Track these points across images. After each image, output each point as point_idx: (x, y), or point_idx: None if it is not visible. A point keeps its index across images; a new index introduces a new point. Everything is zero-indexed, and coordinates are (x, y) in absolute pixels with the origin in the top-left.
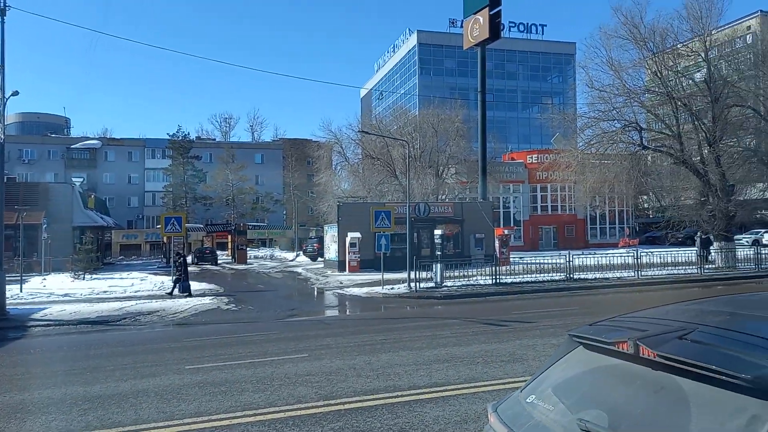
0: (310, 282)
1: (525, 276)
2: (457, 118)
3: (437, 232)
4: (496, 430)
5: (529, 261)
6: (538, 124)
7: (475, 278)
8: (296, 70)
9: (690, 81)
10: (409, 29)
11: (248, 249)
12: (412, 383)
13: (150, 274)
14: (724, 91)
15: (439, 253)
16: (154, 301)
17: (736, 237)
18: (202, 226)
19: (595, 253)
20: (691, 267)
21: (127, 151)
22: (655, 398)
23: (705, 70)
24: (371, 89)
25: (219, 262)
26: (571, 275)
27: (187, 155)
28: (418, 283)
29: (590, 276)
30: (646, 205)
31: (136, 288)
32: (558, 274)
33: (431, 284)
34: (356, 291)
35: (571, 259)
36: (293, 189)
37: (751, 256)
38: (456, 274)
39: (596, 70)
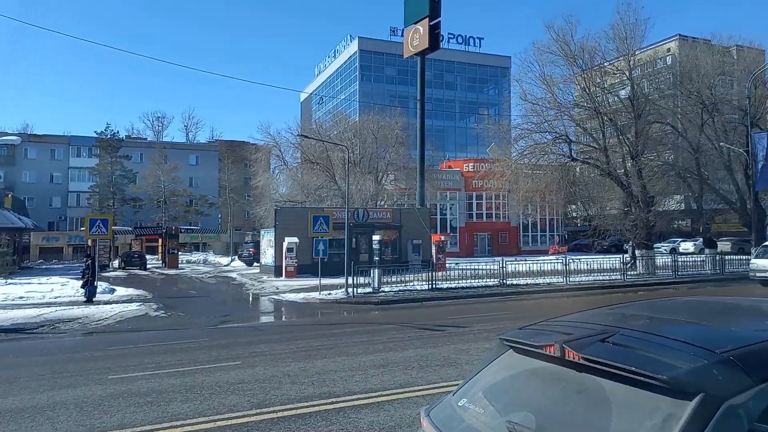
0: (245, 287)
1: (460, 281)
2: (396, 125)
3: (375, 237)
4: None
5: (464, 267)
6: (475, 133)
7: (412, 284)
8: (236, 72)
9: (615, 98)
10: (351, 35)
11: (180, 253)
12: (347, 389)
13: (72, 279)
14: (646, 108)
15: (377, 258)
16: (75, 307)
17: (655, 245)
18: (130, 228)
19: (527, 260)
20: (615, 273)
21: (49, 148)
22: (579, 399)
23: (629, 88)
24: (311, 93)
25: (148, 266)
26: (504, 281)
27: (116, 154)
28: (355, 289)
29: (522, 282)
30: (574, 214)
31: (56, 294)
32: (492, 279)
33: (369, 290)
34: (293, 297)
35: (504, 266)
36: (229, 192)
37: (669, 263)
38: (393, 279)
39: (530, 83)
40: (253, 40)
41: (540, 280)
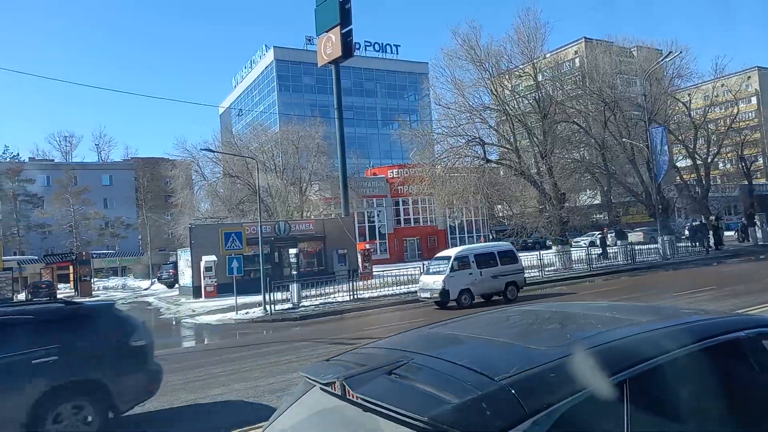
0: (160, 312)
1: (382, 290)
2: (317, 135)
3: (292, 251)
4: None
5: (393, 273)
6: (398, 139)
7: (333, 296)
8: (150, 85)
9: (525, 100)
10: (266, 45)
11: (97, 280)
12: (236, 421)
13: None
14: (551, 108)
15: (295, 272)
16: None
17: (575, 239)
18: (36, 258)
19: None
20: (533, 270)
21: None
22: None
23: (535, 90)
24: (229, 106)
25: (60, 296)
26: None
27: (18, 178)
28: (274, 306)
29: None
30: (501, 214)
31: None
32: (414, 285)
33: (289, 305)
34: (208, 319)
35: (369, 278)
36: (147, 212)
37: (583, 257)
38: (315, 292)
39: (442, 88)
40: (166, 53)
41: None
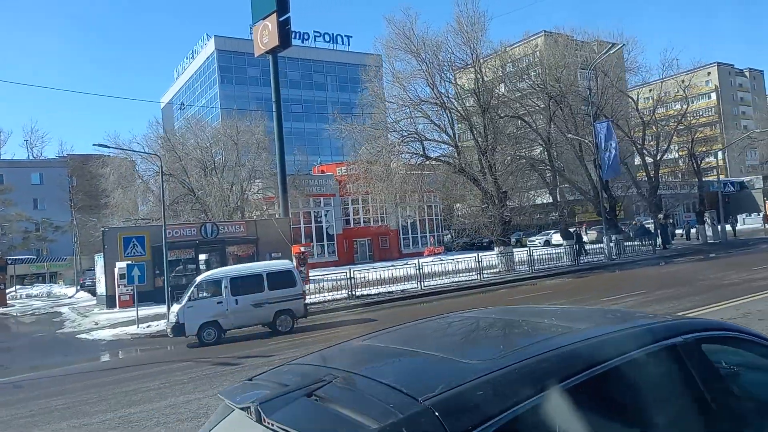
0: (62, 325)
1: (314, 296)
2: (257, 130)
3: (201, 257)
4: None
5: (329, 278)
6: (334, 135)
7: None
8: (90, 77)
9: (466, 93)
10: (207, 34)
11: (20, 287)
12: None
13: None
14: (491, 102)
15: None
16: None
17: (530, 238)
18: None
19: (373, 268)
20: (472, 273)
21: None
22: None
23: (475, 82)
24: (171, 100)
25: None
26: (353, 292)
27: None
28: None
29: (374, 291)
30: (459, 213)
31: None
32: (340, 292)
33: None
34: (104, 334)
35: (352, 275)
36: (77, 213)
37: (525, 258)
38: None
39: (382, 82)
40: (104, 43)
41: (393, 288)
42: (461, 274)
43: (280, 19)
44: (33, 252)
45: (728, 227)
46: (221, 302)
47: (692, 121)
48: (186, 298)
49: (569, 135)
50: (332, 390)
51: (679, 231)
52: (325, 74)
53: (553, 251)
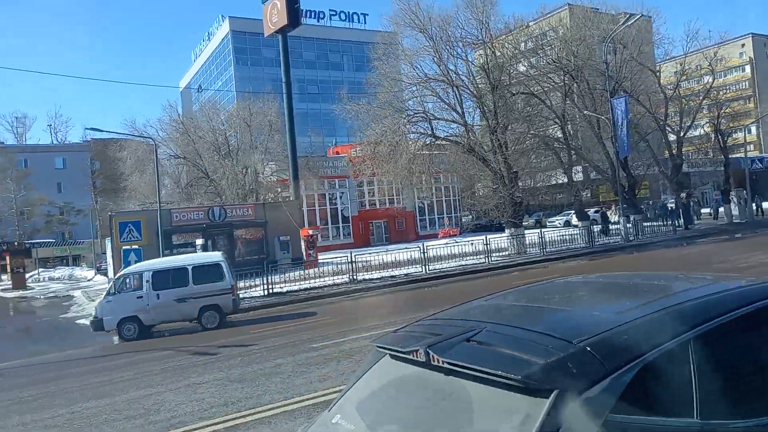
0: (67, 309)
1: (304, 282)
2: (270, 111)
3: (199, 242)
4: None
5: (340, 260)
6: (367, 116)
7: (245, 291)
8: (113, 63)
9: (475, 70)
10: (222, 15)
11: (43, 270)
12: None
13: None
14: (502, 78)
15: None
16: None
17: (550, 219)
18: None
19: (387, 250)
20: (480, 256)
21: None
22: (444, 404)
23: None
24: (189, 83)
25: None
26: (355, 276)
27: None
28: None
29: (375, 275)
30: (481, 193)
31: None
32: (342, 276)
33: None
34: None
35: (353, 260)
36: (98, 196)
37: (536, 240)
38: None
39: (393, 59)
40: (126, 28)
41: (396, 272)
42: (468, 258)
43: None
44: (57, 235)
45: (753, 206)
46: (141, 297)
47: (720, 96)
48: (105, 292)
49: (585, 112)
50: (487, 336)
51: (706, 210)
52: (341, 53)
53: (566, 233)
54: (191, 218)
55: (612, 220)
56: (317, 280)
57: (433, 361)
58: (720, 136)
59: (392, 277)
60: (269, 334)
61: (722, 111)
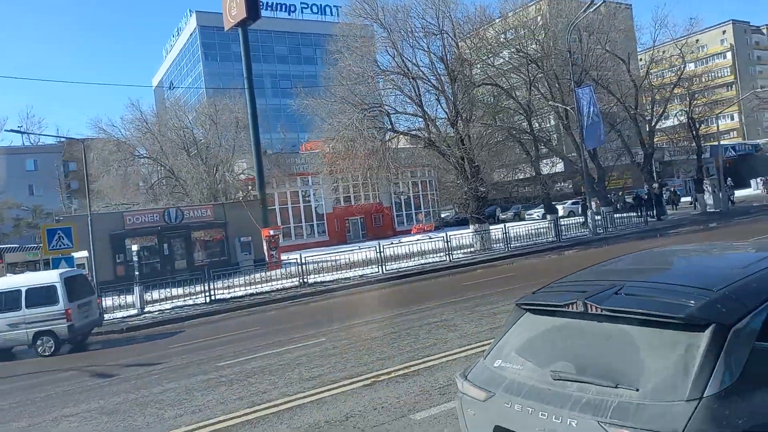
0: None
1: (249, 288)
2: (236, 108)
3: (134, 247)
4: (471, 395)
5: (310, 260)
6: (315, 111)
7: (184, 299)
8: (78, 59)
9: (432, 61)
10: (190, 10)
11: (12, 275)
12: None
13: None
14: (462, 70)
15: (137, 273)
16: None
17: (528, 211)
18: None
19: (332, 252)
20: (440, 254)
21: None
22: (608, 344)
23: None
24: (161, 80)
25: None
26: (305, 279)
27: None
28: (114, 313)
29: (328, 278)
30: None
31: None
32: (292, 279)
33: (134, 311)
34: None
35: (303, 261)
36: (72, 198)
37: (500, 236)
38: (162, 295)
39: (350, 52)
40: (96, 24)
41: (351, 273)
42: (429, 256)
43: None
44: (30, 240)
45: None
46: None
47: (693, 84)
48: None
49: (551, 102)
50: (632, 290)
51: (687, 199)
52: (314, 47)
53: (533, 227)
54: (145, 221)
55: (595, 211)
56: (265, 285)
57: (591, 310)
58: (693, 125)
59: (346, 279)
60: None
61: (695, 99)
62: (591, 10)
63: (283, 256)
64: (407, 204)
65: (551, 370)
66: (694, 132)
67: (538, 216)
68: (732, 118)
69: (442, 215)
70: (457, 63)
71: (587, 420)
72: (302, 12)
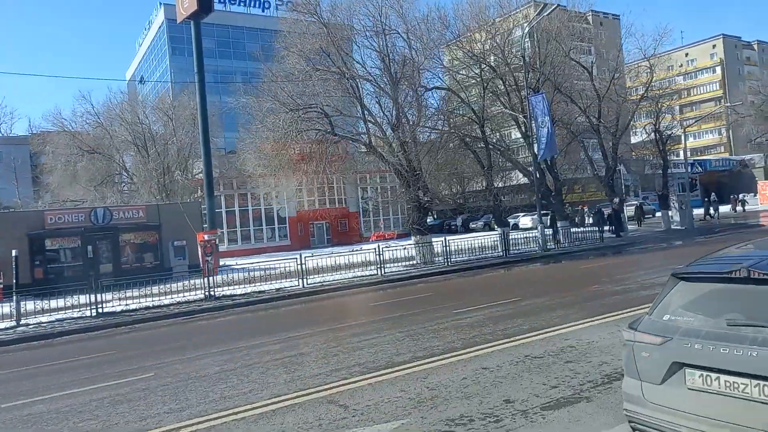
0: None
1: (145, 300)
2: (191, 104)
3: (13, 252)
4: (645, 341)
5: (256, 267)
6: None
7: (70, 311)
8: (63, 50)
9: (375, 61)
10: (160, 3)
11: None
12: None
13: None
14: (404, 70)
15: (15, 280)
16: None
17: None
18: None
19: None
20: (371, 267)
21: None
22: None
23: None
24: (134, 73)
25: None
26: (212, 293)
27: None
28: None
29: (239, 291)
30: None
31: None
32: (194, 293)
33: (12, 323)
34: None
35: (208, 273)
36: (21, 195)
37: (440, 250)
38: (52, 305)
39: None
40: (76, 12)
41: (267, 287)
42: (357, 269)
43: None
44: None
45: (701, 211)
46: None
47: (659, 90)
48: None
49: (504, 109)
50: None
51: (659, 214)
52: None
53: (480, 240)
54: (68, 221)
55: (588, 222)
56: (165, 297)
57: (753, 275)
58: (659, 137)
59: (260, 292)
60: None
61: (661, 109)
62: (545, 14)
63: (232, 261)
64: (375, 210)
65: (725, 318)
66: (660, 146)
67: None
68: (719, 133)
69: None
70: (400, 64)
71: (765, 351)
72: (277, 9)
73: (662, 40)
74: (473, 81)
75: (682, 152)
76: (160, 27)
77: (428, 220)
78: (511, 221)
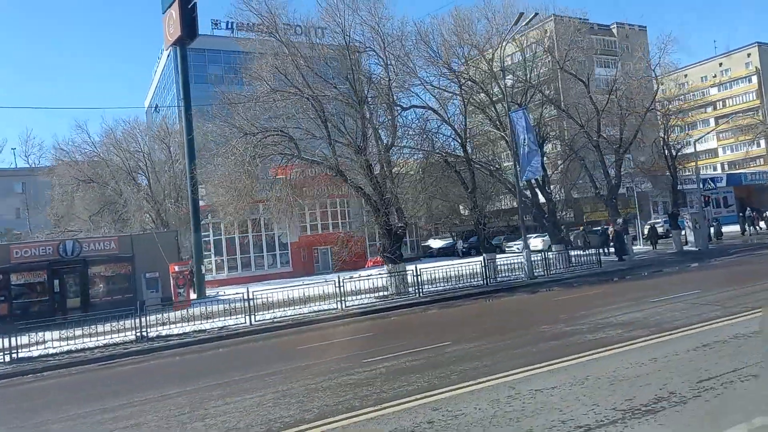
0: None
1: (69, 343)
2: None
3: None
4: None
5: (233, 297)
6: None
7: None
8: (76, 78)
9: (336, 78)
10: None
11: None
12: None
13: None
14: (371, 88)
15: None
16: None
17: (508, 243)
18: None
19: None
20: (331, 301)
21: None
22: None
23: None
24: (150, 101)
25: None
26: (142, 333)
27: None
28: None
29: (176, 331)
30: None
31: None
32: (126, 333)
33: None
34: None
35: (141, 312)
36: (31, 225)
37: (410, 280)
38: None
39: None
40: (95, 43)
41: (209, 325)
42: (318, 303)
43: (188, 6)
44: None
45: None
46: None
47: (669, 107)
48: None
49: (485, 127)
50: None
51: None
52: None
53: (453, 268)
54: (36, 254)
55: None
56: (91, 340)
57: None
58: (668, 150)
59: (200, 331)
60: None
61: (670, 123)
62: (525, 22)
63: (223, 290)
64: (372, 235)
65: None
66: (669, 161)
67: (518, 249)
68: (758, 145)
69: (432, 245)
70: (366, 84)
71: None
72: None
73: (666, 48)
74: (453, 95)
75: (709, 167)
76: (168, 55)
77: (440, 244)
78: (513, 245)
